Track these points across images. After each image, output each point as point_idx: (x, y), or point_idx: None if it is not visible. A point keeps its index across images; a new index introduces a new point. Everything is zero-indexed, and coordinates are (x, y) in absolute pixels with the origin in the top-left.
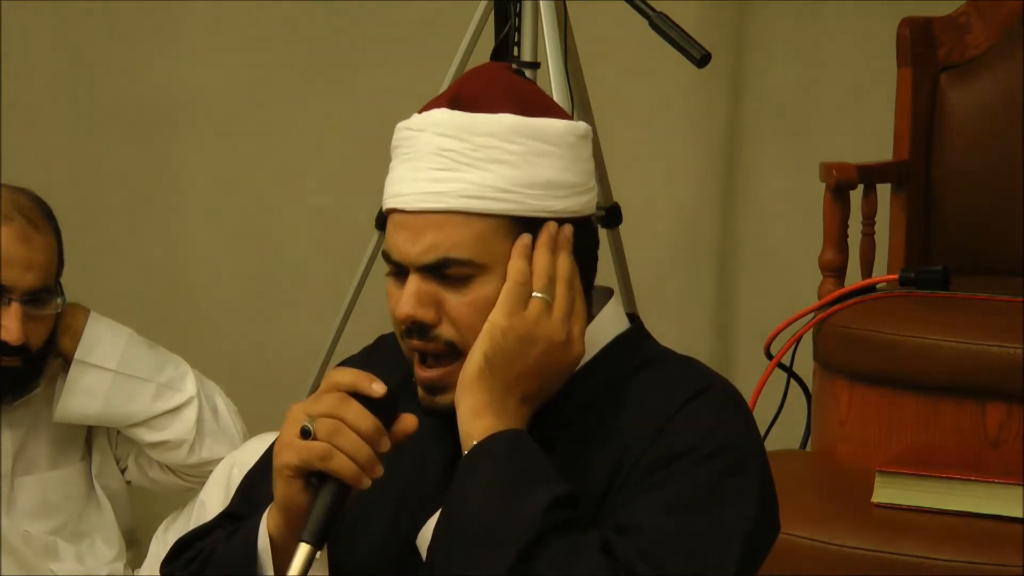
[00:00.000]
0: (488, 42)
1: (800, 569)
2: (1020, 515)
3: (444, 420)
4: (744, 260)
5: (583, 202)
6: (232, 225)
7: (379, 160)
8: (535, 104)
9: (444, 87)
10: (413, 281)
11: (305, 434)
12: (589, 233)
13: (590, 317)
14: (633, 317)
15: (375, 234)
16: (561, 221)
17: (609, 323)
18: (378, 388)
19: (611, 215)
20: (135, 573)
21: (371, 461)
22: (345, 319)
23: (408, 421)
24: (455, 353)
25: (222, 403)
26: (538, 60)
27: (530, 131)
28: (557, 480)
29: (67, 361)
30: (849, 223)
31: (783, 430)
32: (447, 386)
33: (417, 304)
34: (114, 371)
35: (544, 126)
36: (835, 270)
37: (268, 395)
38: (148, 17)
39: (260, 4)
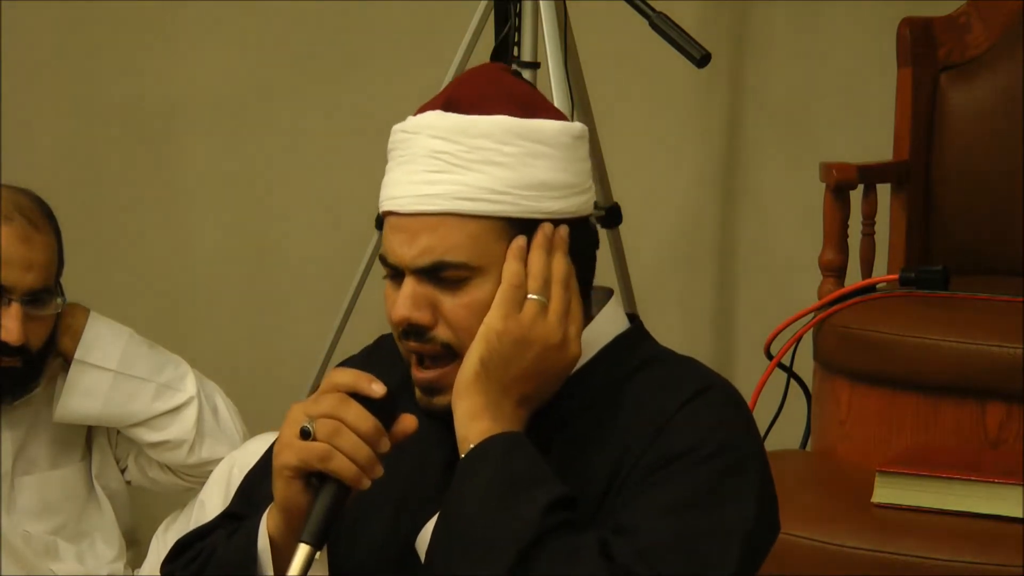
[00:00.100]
0: (488, 42)
1: (800, 569)
2: (1020, 515)
3: (444, 422)
4: (744, 260)
5: (580, 203)
6: (232, 225)
7: (379, 160)
8: (530, 105)
9: (444, 87)
10: (409, 283)
11: (305, 435)
12: (587, 233)
13: (589, 318)
14: (633, 317)
15: (375, 235)
16: (557, 222)
17: (608, 323)
18: (378, 389)
19: (611, 215)
20: (135, 573)
21: (371, 462)
22: (345, 319)
23: (408, 422)
24: (451, 355)
25: (222, 403)
26: (538, 60)
27: (524, 132)
28: (555, 482)
29: (67, 361)
30: (849, 223)
31: (783, 430)
32: (444, 387)
33: (413, 306)
34: (114, 371)
35: (539, 127)
36: (835, 270)
37: (268, 395)
38: (148, 17)
39: (260, 4)
